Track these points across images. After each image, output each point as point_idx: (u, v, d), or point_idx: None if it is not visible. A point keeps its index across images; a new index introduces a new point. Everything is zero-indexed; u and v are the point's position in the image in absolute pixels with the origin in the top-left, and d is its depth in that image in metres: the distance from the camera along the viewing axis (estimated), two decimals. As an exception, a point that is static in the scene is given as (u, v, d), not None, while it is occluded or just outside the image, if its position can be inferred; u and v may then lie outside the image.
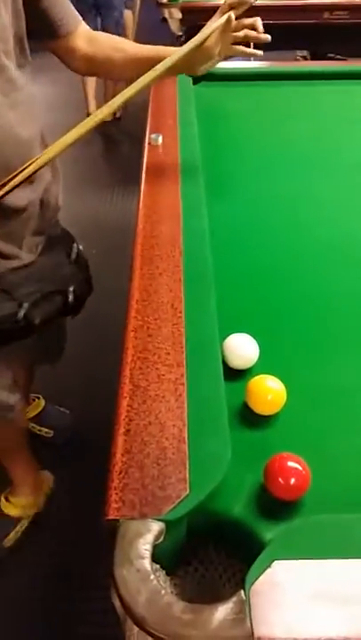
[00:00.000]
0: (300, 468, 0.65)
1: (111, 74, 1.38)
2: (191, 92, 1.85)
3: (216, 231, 1.10)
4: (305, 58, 3.85)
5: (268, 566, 0.56)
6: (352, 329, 0.93)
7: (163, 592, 0.54)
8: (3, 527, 1.65)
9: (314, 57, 3.54)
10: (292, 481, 0.64)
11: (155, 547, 0.58)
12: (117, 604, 0.56)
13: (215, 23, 1.14)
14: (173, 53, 1.11)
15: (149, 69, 1.06)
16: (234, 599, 0.54)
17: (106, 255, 2.02)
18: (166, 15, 2.85)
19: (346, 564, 0.57)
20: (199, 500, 0.62)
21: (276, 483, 0.65)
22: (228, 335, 0.83)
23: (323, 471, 0.67)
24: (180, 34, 2.80)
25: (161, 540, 0.59)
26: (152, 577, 0.55)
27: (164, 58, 1.09)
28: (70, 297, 1.28)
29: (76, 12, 1.20)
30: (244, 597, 0.54)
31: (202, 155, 1.39)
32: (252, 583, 0.55)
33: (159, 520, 0.59)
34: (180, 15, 2.78)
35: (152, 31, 3.82)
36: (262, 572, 0.56)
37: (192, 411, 0.71)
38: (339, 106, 1.87)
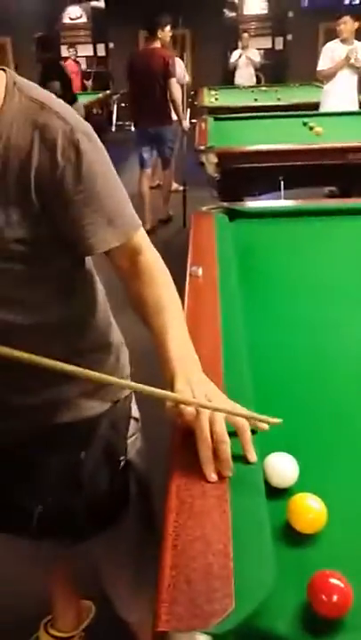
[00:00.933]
0: (342, 585, 0.67)
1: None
2: (228, 227, 2.03)
3: (254, 352, 1.18)
4: (333, 192, 4.14)
5: None
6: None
7: None
8: None
9: (342, 193, 3.81)
10: (335, 598, 0.66)
11: (202, 661, 0.60)
12: None
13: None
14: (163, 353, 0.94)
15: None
16: None
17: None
18: (203, 160, 3.16)
19: None
20: (245, 615, 0.64)
21: (319, 600, 0.67)
22: (268, 453, 0.88)
23: (365, 590, 0.69)
24: (216, 176, 3.09)
25: (208, 654, 0.61)
26: None
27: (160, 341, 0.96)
28: (33, 519, 1.08)
29: (125, 226, 0.98)
30: None
31: (238, 283, 1.52)
32: None
33: (206, 633, 0.62)
34: (215, 160, 3.08)
35: (193, 170, 4.20)
36: None
37: (236, 527, 0.75)
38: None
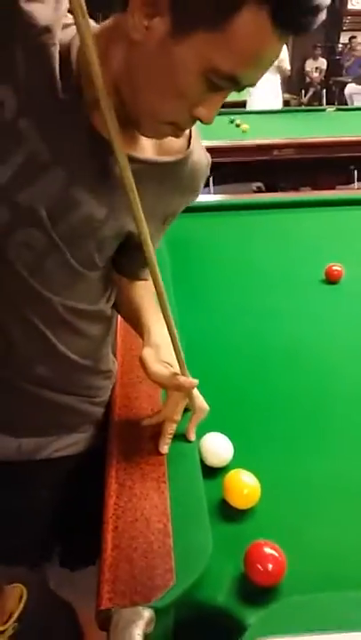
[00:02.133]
0: (277, 554, 0.71)
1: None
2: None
3: (188, 341, 1.21)
4: (260, 188, 4.24)
5: (253, 645, 0.61)
6: (314, 426, 1.03)
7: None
8: None
9: (268, 188, 3.92)
10: (270, 567, 0.70)
11: (145, 635, 0.62)
12: None
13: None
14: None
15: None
16: None
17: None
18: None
19: (322, 638, 0.61)
20: (185, 587, 0.67)
21: (255, 569, 0.70)
22: (203, 434, 0.91)
23: (298, 557, 0.73)
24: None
25: (151, 628, 0.63)
26: (146, 661, 0.59)
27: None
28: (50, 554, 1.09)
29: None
30: None
31: (172, 276, 1.54)
32: (239, 662, 0.59)
33: (149, 607, 0.64)
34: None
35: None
36: (247, 652, 0.60)
37: (175, 507, 0.77)
38: (290, 230, 2.09)
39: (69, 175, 0.76)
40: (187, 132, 0.86)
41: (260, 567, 0.70)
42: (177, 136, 0.77)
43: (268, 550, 0.71)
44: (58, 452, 0.98)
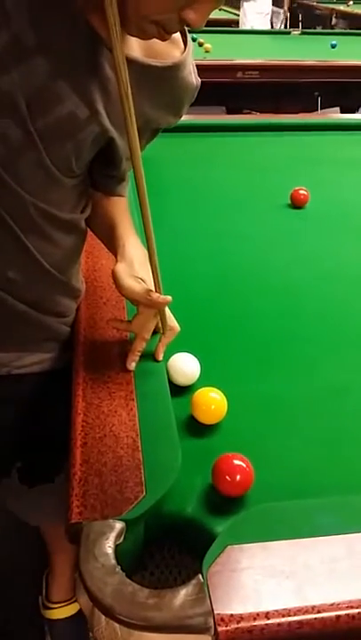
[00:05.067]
0: (244, 465, 0.72)
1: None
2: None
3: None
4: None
5: (222, 551, 0.62)
6: (279, 344, 1.05)
7: (127, 582, 0.59)
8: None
9: (229, 112, 3.80)
10: (238, 477, 0.71)
11: (116, 546, 0.63)
12: (84, 599, 0.60)
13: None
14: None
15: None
16: (193, 582, 0.59)
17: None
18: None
19: (288, 544, 0.63)
20: (156, 499, 0.67)
21: (224, 480, 0.71)
22: (171, 355, 0.90)
23: (263, 468, 0.74)
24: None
25: (122, 539, 0.64)
26: (117, 569, 0.60)
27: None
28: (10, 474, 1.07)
29: (124, 183, 0.96)
30: (202, 579, 0.59)
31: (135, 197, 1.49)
32: (209, 567, 0.60)
33: (120, 520, 0.64)
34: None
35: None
36: (217, 557, 0.62)
37: (143, 423, 0.77)
38: (255, 154, 2.04)
39: (54, 67, 0.72)
40: (181, 46, 0.84)
41: (228, 478, 0.71)
42: (163, 39, 0.74)
43: (236, 462, 0.72)
44: (19, 370, 0.96)
